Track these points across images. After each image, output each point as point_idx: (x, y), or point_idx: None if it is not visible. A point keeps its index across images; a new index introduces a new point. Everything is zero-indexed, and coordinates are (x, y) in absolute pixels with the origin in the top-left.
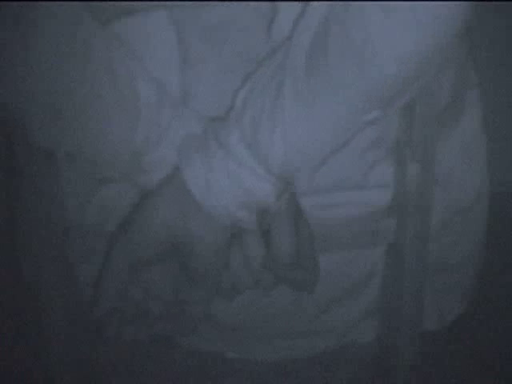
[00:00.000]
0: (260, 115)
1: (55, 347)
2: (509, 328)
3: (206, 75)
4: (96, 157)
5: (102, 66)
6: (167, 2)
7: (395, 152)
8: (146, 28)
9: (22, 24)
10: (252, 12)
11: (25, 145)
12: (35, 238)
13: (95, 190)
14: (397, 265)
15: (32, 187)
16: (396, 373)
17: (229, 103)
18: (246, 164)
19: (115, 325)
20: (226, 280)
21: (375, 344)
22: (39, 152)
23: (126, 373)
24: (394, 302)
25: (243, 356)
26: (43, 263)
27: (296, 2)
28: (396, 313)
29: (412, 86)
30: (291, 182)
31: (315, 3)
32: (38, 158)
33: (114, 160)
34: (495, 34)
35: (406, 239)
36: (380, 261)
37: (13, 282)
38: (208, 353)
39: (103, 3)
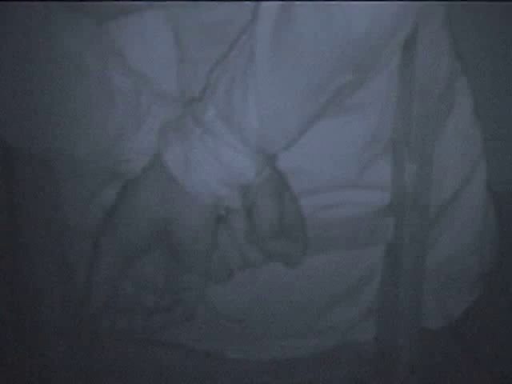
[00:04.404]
0: (232, 85)
1: (54, 347)
2: (509, 328)
3: (203, 75)
4: (71, 150)
5: (69, 58)
6: (165, 2)
7: (391, 151)
8: (143, 28)
9: None
10: (250, 12)
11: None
12: (35, 239)
13: (95, 192)
14: (395, 264)
15: (31, 189)
16: (396, 373)
17: None
18: (223, 139)
19: (108, 318)
20: (217, 262)
21: (375, 343)
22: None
23: (125, 373)
24: (393, 302)
25: (243, 356)
26: (43, 263)
27: None
28: (395, 312)
29: (382, 49)
30: (271, 157)
31: None
32: (35, 159)
33: (89, 150)
34: (494, 33)
35: (404, 238)
36: (380, 261)
37: (13, 281)
38: (208, 353)
39: (101, 3)
